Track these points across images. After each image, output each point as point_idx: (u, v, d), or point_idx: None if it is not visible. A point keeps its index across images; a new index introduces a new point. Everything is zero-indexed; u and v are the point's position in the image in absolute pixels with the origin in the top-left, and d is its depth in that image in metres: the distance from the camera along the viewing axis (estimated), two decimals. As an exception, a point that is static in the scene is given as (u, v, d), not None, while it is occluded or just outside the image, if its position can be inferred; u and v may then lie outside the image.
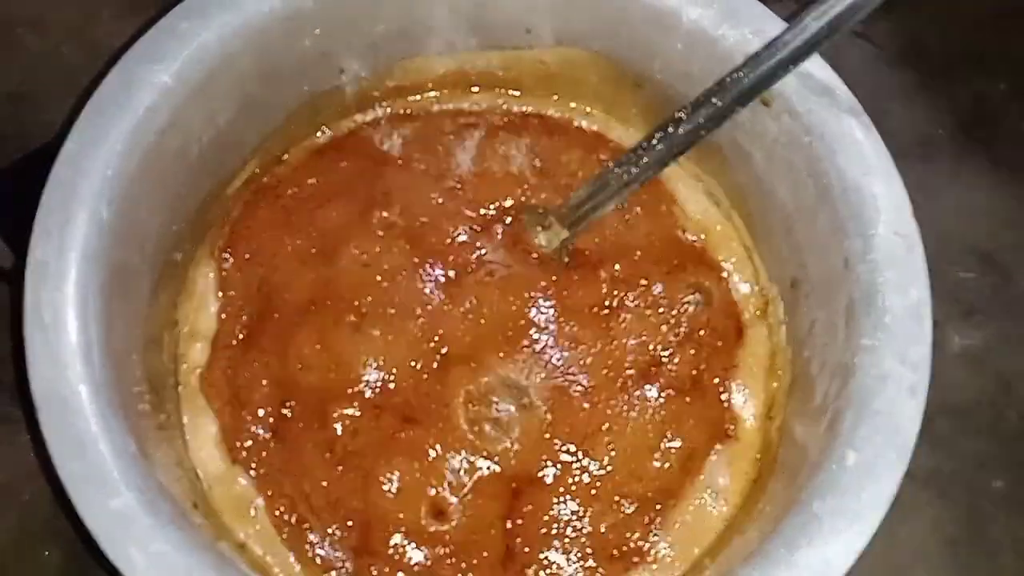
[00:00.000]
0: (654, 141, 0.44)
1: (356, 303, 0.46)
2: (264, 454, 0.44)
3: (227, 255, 0.48)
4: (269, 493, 0.44)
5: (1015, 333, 0.54)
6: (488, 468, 0.44)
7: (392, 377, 0.45)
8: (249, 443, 0.45)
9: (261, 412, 0.45)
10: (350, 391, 0.45)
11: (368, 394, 0.45)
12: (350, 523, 0.43)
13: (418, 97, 0.53)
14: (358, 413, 0.44)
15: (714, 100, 0.42)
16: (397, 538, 0.43)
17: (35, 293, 0.38)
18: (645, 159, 0.45)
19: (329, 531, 0.43)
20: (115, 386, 0.38)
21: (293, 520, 0.43)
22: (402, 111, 0.53)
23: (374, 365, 0.45)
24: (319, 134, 0.52)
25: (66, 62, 0.57)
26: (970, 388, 0.52)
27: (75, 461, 0.36)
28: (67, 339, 0.37)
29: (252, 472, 0.44)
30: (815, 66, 0.44)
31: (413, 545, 0.43)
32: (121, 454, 0.36)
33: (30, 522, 0.47)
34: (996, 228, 0.56)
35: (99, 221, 0.39)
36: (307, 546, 0.43)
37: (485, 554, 0.43)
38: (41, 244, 0.38)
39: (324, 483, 0.43)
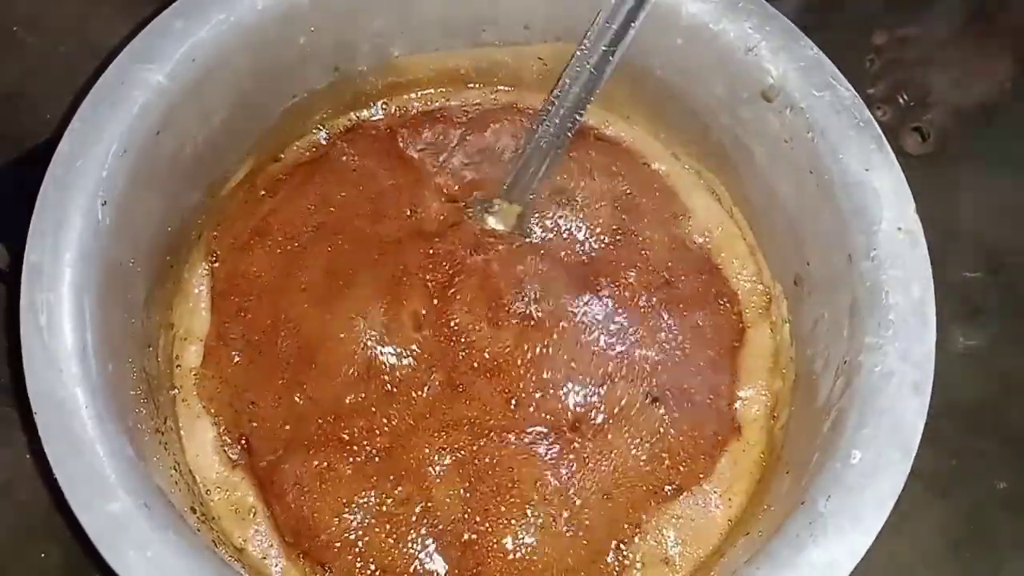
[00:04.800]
0: (563, 90, 0.46)
1: (350, 303, 0.46)
2: (262, 456, 0.44)
3: (221, 256, 0.48)
4: (266, 496, 0.43)
5: (1019, 333, 0.53)
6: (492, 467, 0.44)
7: (387, 384, 0.45)
8: (246, 446, 0.44)
9: (258, 415, 0.45)
10: (344, 396, 0.45)
11: (361, 402, 0.45)
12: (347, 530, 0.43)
13: (414, 94, 0.53)
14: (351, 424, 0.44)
15: (606, 23, 0.45)
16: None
17: (30, 295, 0.37)
18: (561, 111, 0.47)
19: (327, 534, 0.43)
20: (111, 389, 0.38)
21: (290, 522, 0.43)
22: (398, 108, 0.53)
23: (367, 370, 0.45)
24: (315, 132, 0.51)
25: (64, 61, 0.57)
26: (974, 388, 0.52)
27: (72, 464, 0.35)
28: (63, 342, 0.37)
29: (250, 476, 0.44)
30: (817, 62, 0.43)
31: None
32: (118, 457, 0.36)
33: (27, 522, 0.47)
34: (1001, 228, 0.56)
35: (94, 222, 0.39)
36: (306, 550, 0.43)
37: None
38: (36, 245, 0.38)
39: (325, 490, 0.43)
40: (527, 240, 0.49)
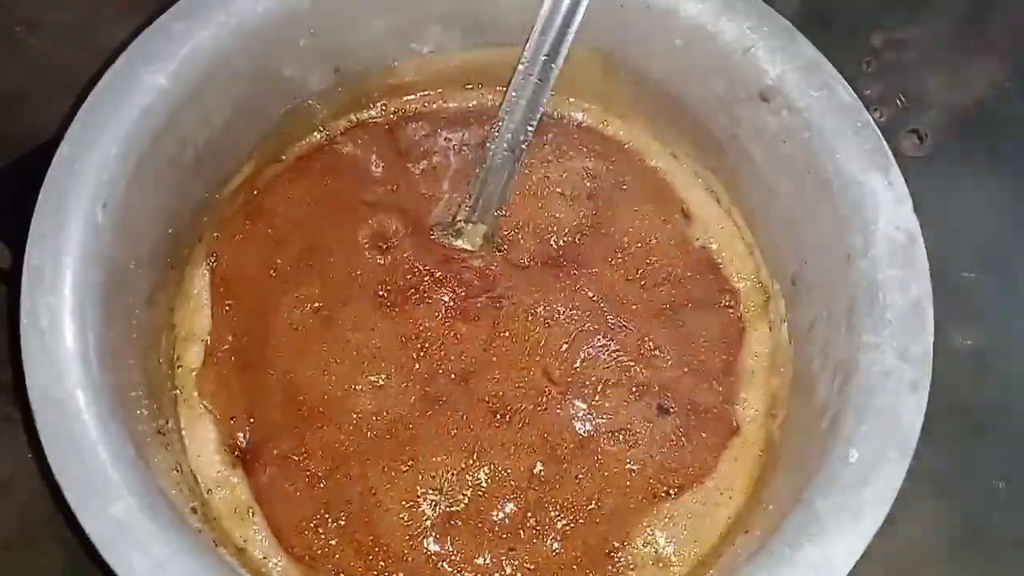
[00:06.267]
0: (511, 103, 0.47)
1: (347, 307, 0.46)
2: (263, 458, 0.44)
3: (221, 257, 0.48)
4: (267, 496, 0.44)
5: (1017, 333, 0.53)
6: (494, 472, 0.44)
7: (384, 386, 0.45)
8: (247, 447, 0.45)
9: (258, 416, 0.45)
10: (343, 396, 0.45)
11: (361, 404, 0.45)
12: (345, 527, 0.43)
13: (413, 96, 0.53)
14: (349, 422, 0.44)
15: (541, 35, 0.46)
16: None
17: (31, 298, 0.38)
18: (512, 125, 0.47)
19: (326, 535, 0.43)
20: (113, 390, 0.38)
21: (272, 527, 0.43)
22: (396, 109, 0.53)
23: (364, 376, 0.45)
24: (315, 134, 0.52)
25: (65, 63, 0.57)
26: (971, 388, 0.52)
27: (73, 466, 0.36)
28: (64, 344, 0.37)
29: (246, 476, 0.44)
30: (815, 62, 0.43)
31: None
32: (120, 459, 0.36)
33: (29, 523, 0.48)
34: (998, 228, 0.56)
35: (94, 224, 0.39)
36: (306, 550, 0.43)
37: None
38: (37, 248, 0.38)
39: (320, 487, 0.43)
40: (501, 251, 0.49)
